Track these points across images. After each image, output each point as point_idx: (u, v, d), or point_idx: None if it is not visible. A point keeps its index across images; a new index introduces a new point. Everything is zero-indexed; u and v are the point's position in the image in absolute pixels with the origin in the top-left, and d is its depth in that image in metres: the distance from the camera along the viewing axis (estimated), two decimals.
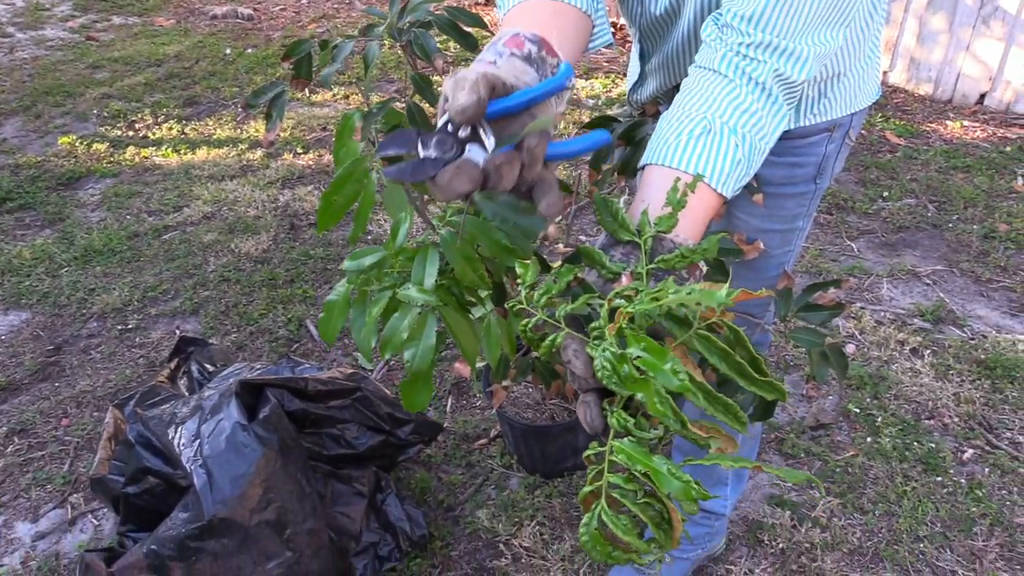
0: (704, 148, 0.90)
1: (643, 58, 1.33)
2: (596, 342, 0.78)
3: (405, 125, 1.13)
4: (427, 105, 1.14)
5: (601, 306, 0.80)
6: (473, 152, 0.83)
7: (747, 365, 0.79)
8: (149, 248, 2.89)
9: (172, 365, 2.02)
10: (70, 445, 2.11)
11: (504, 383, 1.61)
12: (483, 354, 1.15)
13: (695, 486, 0.74)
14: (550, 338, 0.80)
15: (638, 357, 0.76)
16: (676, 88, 1.11)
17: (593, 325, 0.79)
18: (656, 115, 1.23)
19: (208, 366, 1.97)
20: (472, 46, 1.16)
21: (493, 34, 0.91)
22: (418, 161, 0.84)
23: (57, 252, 2.85)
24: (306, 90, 4.16)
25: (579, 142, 0.86)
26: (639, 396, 0.75)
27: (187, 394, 1.91)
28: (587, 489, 0.78)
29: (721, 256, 0.93)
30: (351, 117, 1.09)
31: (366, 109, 1.09)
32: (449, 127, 0.84)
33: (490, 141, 0.83)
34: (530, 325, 0.85)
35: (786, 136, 1.27)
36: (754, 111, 0.93)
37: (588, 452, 0.78)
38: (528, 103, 0.83)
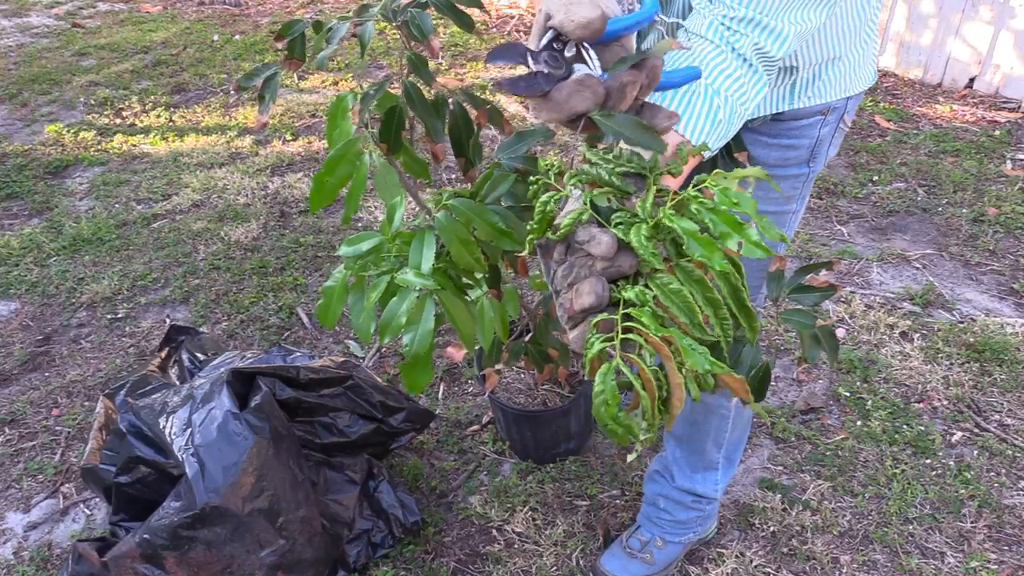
0: (687, 108, 0.92)
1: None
2: (621, 226, 0.78)
3: (402, 107, 1.11)
4: (423, 86, 1.13)
5: (619, 203, 0.80)
6: (583, 72, 0.78)
7: (730, 298, 0.81)
8: (138, 237, 2.87)
9: (163, 354, 2.02)
10: (61, 435, 2.10)
11: (497, 367, 1.61)
12: (476, 338, 1.15)
13: (713, 360, 0.75)
14: (576, 212, 0.78)
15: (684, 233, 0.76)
16: None
17: (617, 216, 0.78)
18: None
19: (199, 355, 1.96)
20: (469, 26, 1.14)
21: (490, 16, 0.93)
22: (531, 75, 0.78)
23: (45, 241, 2.83)
24: (295, 76, 4.14)
25: (676, 73, 0.87)
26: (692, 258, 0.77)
27: (178, 383, 1.90)
28: (595, 350, 0.76)
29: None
30: (344, 98, 1.09)
31: (360, 91, 1.08)
32: (555, 44, 0.79)
33: (595, 63, 0.79)
34: (555, 199, 0.82)
35: (780, 118, 1.28)
36: (737, 76, 0.95)
37: (597, 318, 0.76)
38: (623, 31, 0.81)
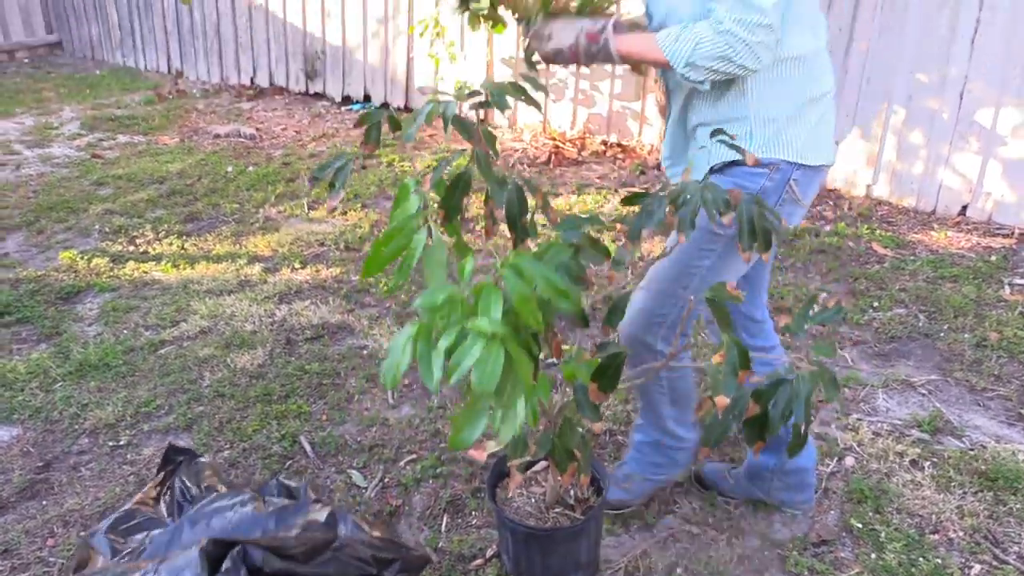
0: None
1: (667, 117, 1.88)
2: None
3: (468, 175, 1.32)
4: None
5: None
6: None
7: None
8: (144, 363, 2.89)
9: (158, 479, 1.98)
10: (54, 567, 2.05)
11: (517, 462, 1.60)
12: (496, 438, 1.22)
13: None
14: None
15: None
16: (685, 148, 1.86)
17: None
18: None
19: (192, 486, 1.93)
20: (538, 106, 1.43)
21: (549, 98, 1.31)
22: None
23: (52, 366, 2.85)
24: (305, 207, 4.26)
25: None
26: None
27: (167, 517, 1.86)
28: None
29: None
30: (407, 184, 1.24)
31: (422, 174, 1.26)
32: None
33: None
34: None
35: (734, 162, 1.69)
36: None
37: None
38: None
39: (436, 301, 1.18)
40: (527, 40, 1.74)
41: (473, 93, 1.28)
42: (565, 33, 1.69)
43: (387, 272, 3.51)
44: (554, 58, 1.73)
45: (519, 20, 1.74)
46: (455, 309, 1.17)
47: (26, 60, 7.77)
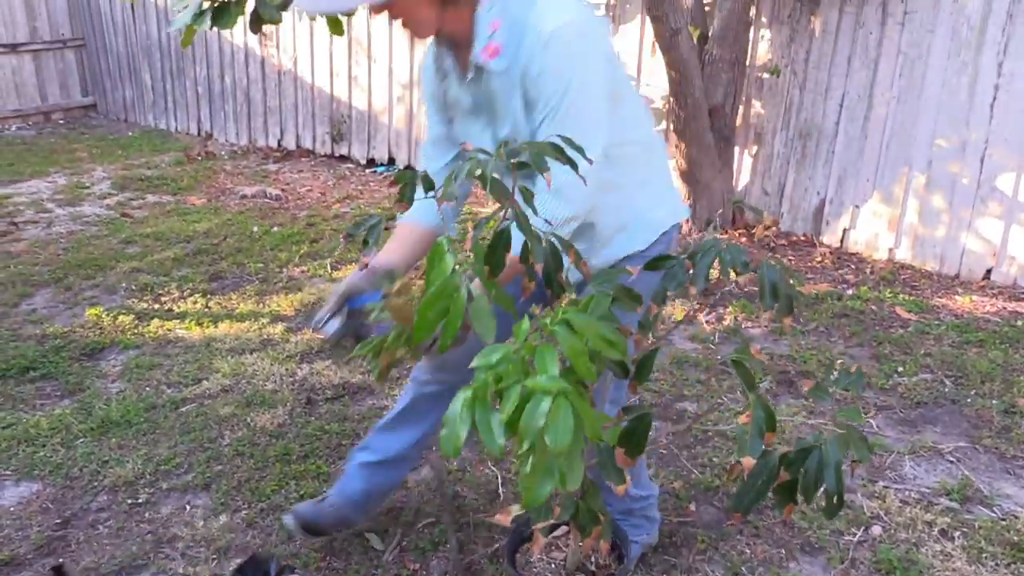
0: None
1: None
2: None
3: (508, 232, 1.36)
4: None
5: None
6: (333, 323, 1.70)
7: None
8: (166, 420, 2.90)
9: None
10: None
11: (542, 525, 1.58)
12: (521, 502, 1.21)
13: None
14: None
15: None
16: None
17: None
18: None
19: None
20: (575, 167, 1.41)
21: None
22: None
23: (74, 422, 2.86)
24: (328, 267, 4.31)
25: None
26: None
27: None
28: None
29: None
30: (441, 244, 1.25)
31: (453, 239, 1.31)
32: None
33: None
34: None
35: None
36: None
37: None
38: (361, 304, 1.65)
39: (491, 360, 1.19)
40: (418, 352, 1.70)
41: (513, 152, 1.30)
42: None
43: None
44: None
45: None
46: (511, 369, 1.18)
47: (61, 121, 8.01)
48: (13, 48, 7.55)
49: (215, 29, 2.75)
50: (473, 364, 1.21)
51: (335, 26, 3.14)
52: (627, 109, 1.73)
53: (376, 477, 2.23)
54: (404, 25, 1.60)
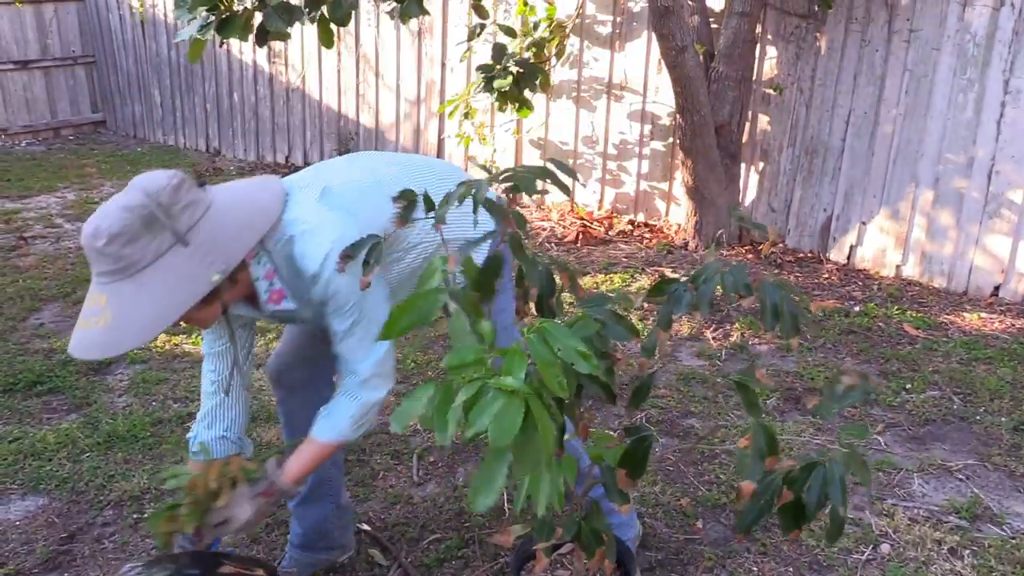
0: None
1: None
2: None
3: (500, 257, 1.35)
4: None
5: None
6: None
7: None
8: (171, 435, 2.90)
9: None
10: None
11: (544, 545, 1.56)
12: (523, 522, 1.20)
13: None
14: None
15: None
16: None
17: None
18: None
19: None
20: (567, 191, 1.42)
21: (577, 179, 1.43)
22: None
23: (81, 437, 2.87)
24: None
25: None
26: None
27: None
28: None
29: None
30: (434, 263, 1.27)
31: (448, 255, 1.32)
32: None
33: None
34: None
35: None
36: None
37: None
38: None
39: (465, 359, 1.20)
40: (208, 531, 1.77)
41: (504, 175, 1.31)
42: (241, 509, 1.75)
43: (416, 349, 3.50)
44: (248, 528, 1.85)
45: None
46: (480, 369, 1.19)
47: (71, 137, 8.06)
48: (24, 65, 7.62)
49: (223, 47, 2.78)
50: (445, 363, 1.21)
51: (326, 39, 3.17)
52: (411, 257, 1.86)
53: (309, 513, 2.17)
54: (191, 323, 1.65)
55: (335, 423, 1.77)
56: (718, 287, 1.34)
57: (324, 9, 3.16)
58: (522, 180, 1.29)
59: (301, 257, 1.64)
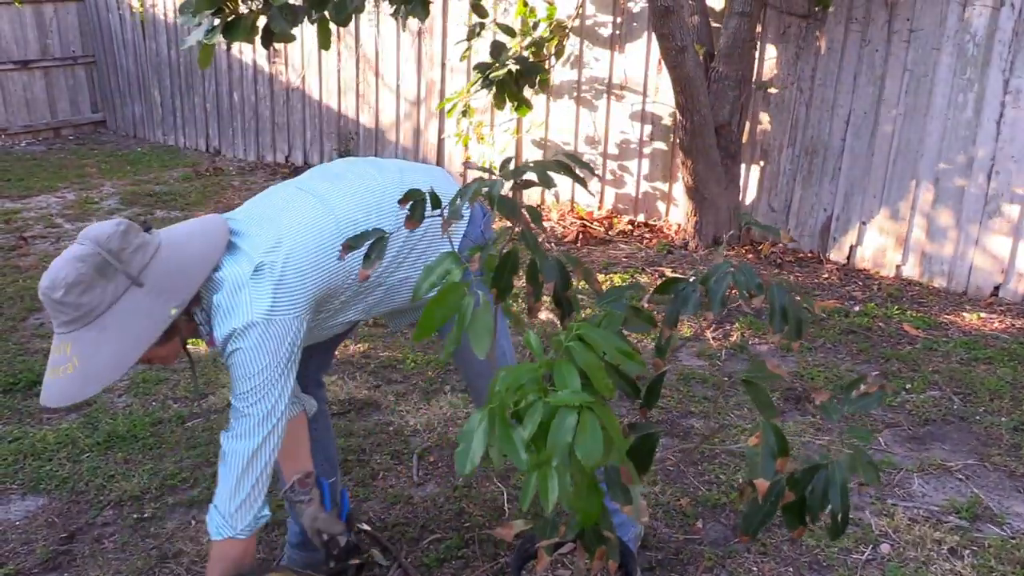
0: None
1: None
2: None
3: (516, 253, 1.34)
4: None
5: None
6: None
7: None
8: (172, 435, 2.90)
9: None
10: None
11: (546, 543, 1.56)
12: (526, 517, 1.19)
13: None
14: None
15: None
16: None
17: None
18: None
19: None
20: (583, 183, 1.42)
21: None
22: None
23: (81, 437, 2.87)
24: None
25: None
26: None
27: None
28: None
29: None
30: (443, 258, 1.26)
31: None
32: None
33: None
34: None
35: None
36: None
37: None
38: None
39: (519, 381, 1.17)
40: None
41: (519, 171, 1.30)
42: None
43: (416, 348, 3.50)
44: None
45: None
46: (532, 388, 1.17)
47: (71, 137, 8.06)
48: (24, 64, 7.62)
49: (224, 47, 2.79)
50: (499, 385, 1.19)
51: (324, 41, 3.17)
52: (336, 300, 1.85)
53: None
54: (153, 361, 1.74)
55: (211, 524, 1.76)
56: (731, 287, 1.34)
57: (327, 11, 3.16)
58: (539, 173, 1.29)
59: (217, 325, 1.70)
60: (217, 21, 2.85)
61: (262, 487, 1.73)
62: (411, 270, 1.90)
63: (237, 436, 1.71)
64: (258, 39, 3.06)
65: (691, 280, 1.41)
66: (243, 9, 2.94)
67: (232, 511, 1.71)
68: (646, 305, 1.49)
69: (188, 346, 1.82)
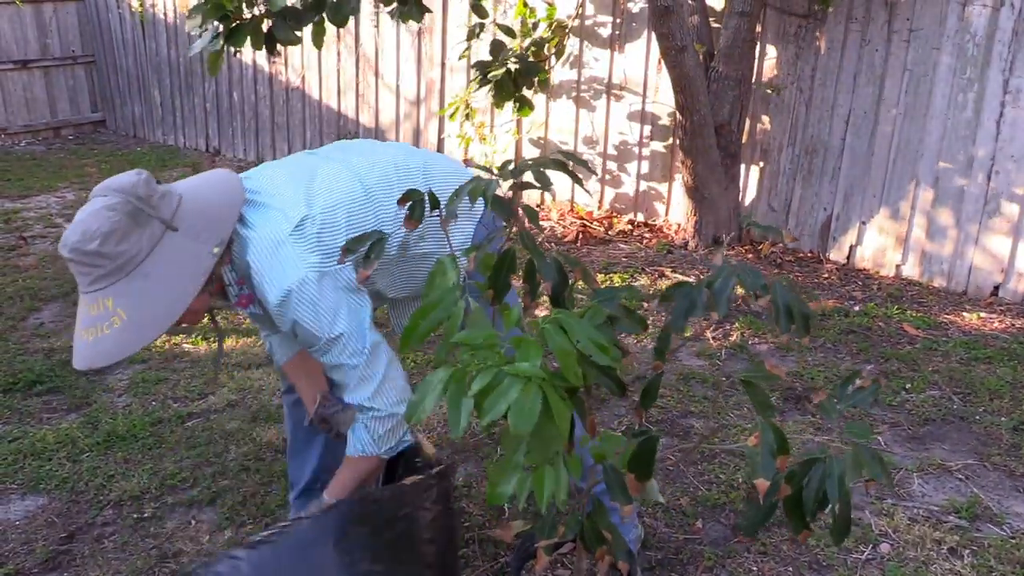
0: None
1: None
2: None
3: (513, 254, 1.35)
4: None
5: None
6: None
7: None
8: (171, 435, 2.90)
9: None
10: None
11: (546, 543, 1.56)
12: (524, 517, 1.18)
13: None
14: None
15: None
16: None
17: None
18: None
19: None
20: (579, 182, 1.42)
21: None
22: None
23: (80, 437, 2.87)
24: None
25: None
26: None
27: None
28: None
29: None
30: (443, 262, 1.26)
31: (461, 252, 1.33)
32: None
33: None
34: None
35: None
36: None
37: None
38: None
39: (476, 340, 1.19)
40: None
41: (516, 171, 1.30)
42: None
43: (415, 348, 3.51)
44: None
45: None
46: (492, 355, 1.18)
47: (71, 137, 8.06)
48: (24, 64, 7.62)
49: (236, 54, 2.81)
50: (455, 339, 1.21)
51: (318, 40, 3.18)
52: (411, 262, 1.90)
53: (310, 505, 2.19)
54: (183, 319, 1.68)
55: (356, 440, 1.81)
56: (737, 287, 1.34)
57: (324, 13, 3.17)
58: (536, 173, 1.29)
59: (264, 290, 1.66)
60: (222, 28, 2.86)
61: (403, 408, 1.75)
62: (435, 245, 1.89)
63: (354, 390, 1.74)
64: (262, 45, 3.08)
65: (696, 284, 1.41)
66: (247, 15, 2.95)
67: (374, 448, 1.79)
68: (646, 305, 1.48)
69: (216, 319, 1.80)
